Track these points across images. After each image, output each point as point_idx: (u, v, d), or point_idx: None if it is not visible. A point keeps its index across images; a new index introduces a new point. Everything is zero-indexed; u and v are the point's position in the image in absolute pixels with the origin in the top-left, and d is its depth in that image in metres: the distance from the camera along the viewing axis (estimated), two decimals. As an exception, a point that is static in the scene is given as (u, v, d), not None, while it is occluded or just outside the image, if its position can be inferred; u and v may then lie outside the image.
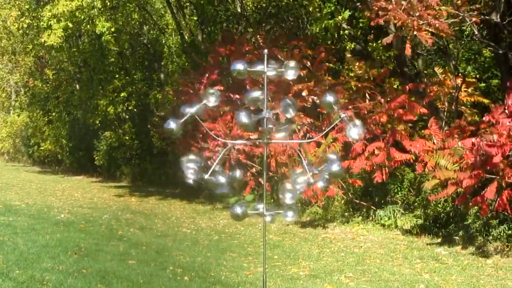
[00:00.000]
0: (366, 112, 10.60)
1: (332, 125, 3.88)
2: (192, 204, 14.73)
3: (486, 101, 11.08)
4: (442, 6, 8.92)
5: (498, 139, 7.70)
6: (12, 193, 15.70)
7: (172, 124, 3.30)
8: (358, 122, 3.24)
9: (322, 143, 10.78)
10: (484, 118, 8.32)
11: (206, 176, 3.27)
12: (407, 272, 7.34)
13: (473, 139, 8.37)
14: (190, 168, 3.26)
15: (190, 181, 3.28)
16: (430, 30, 8.82)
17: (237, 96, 12.28)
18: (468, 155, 8.33)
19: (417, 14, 8.62)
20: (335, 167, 3.25)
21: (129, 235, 9.82)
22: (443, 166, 8.82)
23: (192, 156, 3.31)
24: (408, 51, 9.26)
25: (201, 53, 15.44)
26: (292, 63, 3.37)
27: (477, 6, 9.44)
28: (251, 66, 3.39)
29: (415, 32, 8.71)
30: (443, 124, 10.51)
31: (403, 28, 8.94)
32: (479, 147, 7.92)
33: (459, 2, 9.08)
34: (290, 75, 3.37)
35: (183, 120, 3.30)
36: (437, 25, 8.62)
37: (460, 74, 11.19)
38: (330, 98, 3.24)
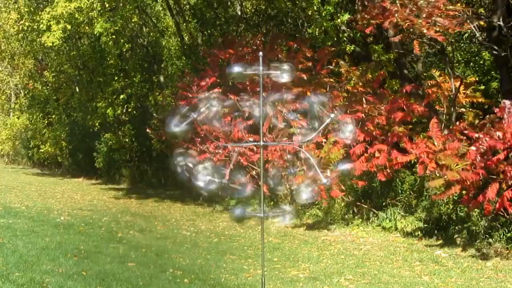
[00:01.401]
0: (363, 115, 10.61)
1: (323, 125, 3.85)
2: (191, 206, 14.72)
3: (484, 100, 11.12)
4: (450, 6, 8.96)
5: (503, 136, 7.72)
6: (12, 195, 15.69)
7: (175, 127, 3.31)
8: (350, 122, 3.25)
9: (321, 145, 10.77)
10: (490, 116, 8.30)
11: (225, 181, 3.30)
12: (407, 275, 7.34)
13: (476, 135, 8.37)
14: (205, 177, 3.28)
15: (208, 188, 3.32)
16: (438, 29, 8.86)
17: (237, 98, 12.27)
18: (471, 153, 8.32)
19: (424, 16, 8.68)
20: (346, 166, 3.29)
21: (128, 237, 9.82)
22: (446, 167, 8.81)
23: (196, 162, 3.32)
24: (416, 50, 9.30)
25: (201, 56, 15.43)
26: (287, 66, 3.38)
27: (479, 10, 9.49)
28: (250, 68, 3.40)
29: (425, 30, 8.75)
30: (443, 126, 10.51)
31: (411, 29, 8.98)
32: (482, 143, 7.93)
33: (458, 5, 9.12)
34: (285, 77, 3.37)
35: (186, 123, 3.31)
36: (446, 24, 8.67)
37: (458, 77, 11.19)
38: (315, 99, 3.25)
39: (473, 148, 8.28)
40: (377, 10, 9.23)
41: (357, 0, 10.60)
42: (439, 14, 8.78)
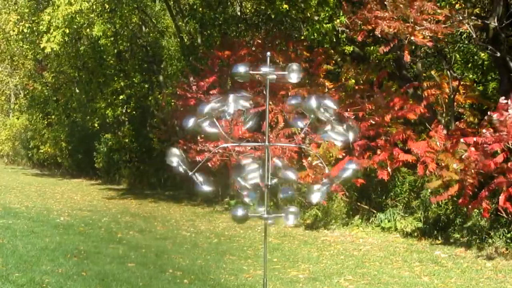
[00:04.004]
0: (365, 114, 10.62)
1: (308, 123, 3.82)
2: (191, 206, 14.72)
3: (483, 101, 11.13)
4: (438, 10, 8.99)
5: (502, 133, 7.74)
6: (12, 196, 15.68)
7: (190, 124, 3.37)
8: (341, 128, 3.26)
9: (321, 144, 10.77)
10: (490, 113, 8.33)
11: (273, 182, 3.34)
12: (407, 275, 7.34)
13: (474, 139, 8.39)
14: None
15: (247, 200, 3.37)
16: (427, 34, 8.89)
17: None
18: (471, 152, 8.32)
19: (411, 20, 8.72)
20: (353, 166, 3.30)
21: (128, 237, 9.82)
22: (446, 167, 8.82)
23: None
24: (406, 57, 9.34)
25: (200, 57, 15.43)
26: (295, 66, 3.37)
27: (476, 10, 9.50)
28: (250, 69, 3.40)
29: (412, 38, 8.80)
30: (442, 127, 10.52)
31: (398, 35, 9.01)
32: (483, 142, 7.96)
33: (457, 5, 9.14)
34: (293, 78, 3.37)
35: (201, 120, 3.34)
36: (433, 28, 8.70)
37: (456, 77, 11.20)
38: (313, 102, 3.25)
39: (472, 149, 8.29)
40: (368, 15, 9.23)
41: (344, 8, 10.60)
42: (427, 19, 8.80)
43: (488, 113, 8.32)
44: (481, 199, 7.98)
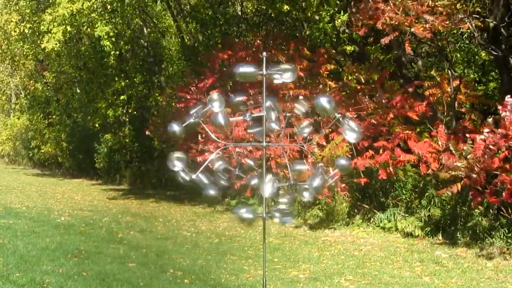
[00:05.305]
0: (366, 113, 10.62)
1: (329, 125, 3.90)
2: (192, 206, 14.73)
3: (484, 101, 11.13)
4: (438, 2, 9.00)
5: (505, 134, 7.76)
6: (12, 196, 15.69)
7: (175, 127, 3.37)
8: (353, 124, 3.27)
9: (323, 144, 10.77)
10: (493, 116, 8.33)
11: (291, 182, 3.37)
12: (407, 275, 7.34)
13: (479, 137, 8.40)
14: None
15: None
16: (427, 26, 8.90)
17: (238, 98, 12.22)
18: (478, 146, 8.31)
19: (413, 13, 8.73)
20: (343, 161, 3.33)
21: (129, 238, 9.82)
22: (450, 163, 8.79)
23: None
24: (408, 49, 9.32)
25: (200, 59, 15.43)
26: (290, 66, 3.39)
27: (476, 9, 9.51)
28: (253, 69, 3.42)
29: (412, 29, 8.81)
30: (443, 126, 10.51)
31: (399, 27, 9.02)
32: (488, 138, 7.97)
33: (458, 5, 9.14)
34: (288, 78, 3.39)
35: (185, 124, 3.35)
36: (433, 21, 8.72)
37: (458, 76, 11.20)
38: (323, 101, 3.27)
39: (481, 137, 8.22)
40: (371, 11, 9.25)
41: (352, 2, 10.63)
42: (427, 11, 8.83)
43: (488, 117, 8.34)
44: (489, 193, 8.00)
